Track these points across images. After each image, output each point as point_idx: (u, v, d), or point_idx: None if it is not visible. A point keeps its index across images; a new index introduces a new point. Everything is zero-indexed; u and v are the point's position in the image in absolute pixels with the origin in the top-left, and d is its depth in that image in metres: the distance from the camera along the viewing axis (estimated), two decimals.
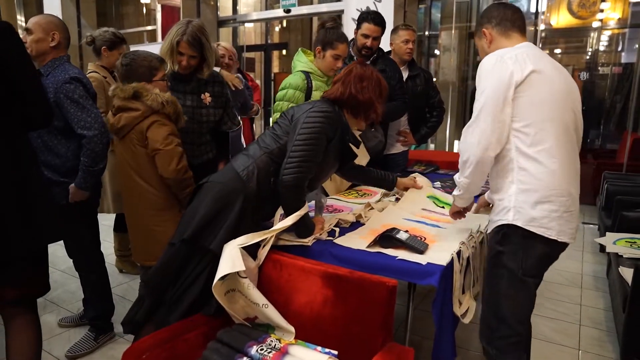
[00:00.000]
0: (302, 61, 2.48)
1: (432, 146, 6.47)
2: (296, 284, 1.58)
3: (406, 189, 2.26)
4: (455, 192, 1.73)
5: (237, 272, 1.52)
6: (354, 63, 1.87)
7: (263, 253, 1.65)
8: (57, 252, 3.76)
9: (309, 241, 1.69)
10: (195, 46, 2.17)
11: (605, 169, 4.83)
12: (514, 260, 1.49)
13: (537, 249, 1.47)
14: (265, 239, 1.66)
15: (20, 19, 9.21)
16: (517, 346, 1.55)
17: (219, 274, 1.47)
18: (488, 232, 1.64)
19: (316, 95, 2.43)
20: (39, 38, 2.19)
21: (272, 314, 1.56)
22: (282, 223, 1.67)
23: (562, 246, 1.51)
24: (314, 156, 1.69)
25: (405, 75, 3.11)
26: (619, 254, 2.74)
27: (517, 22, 1.62)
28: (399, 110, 2.99)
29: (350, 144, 1.85)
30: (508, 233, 1.49)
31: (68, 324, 2.66)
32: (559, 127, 1.47)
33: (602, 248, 3.80)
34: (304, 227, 1.74)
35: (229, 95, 2.50)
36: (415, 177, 2.36)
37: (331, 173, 1.94)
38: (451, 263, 1.56)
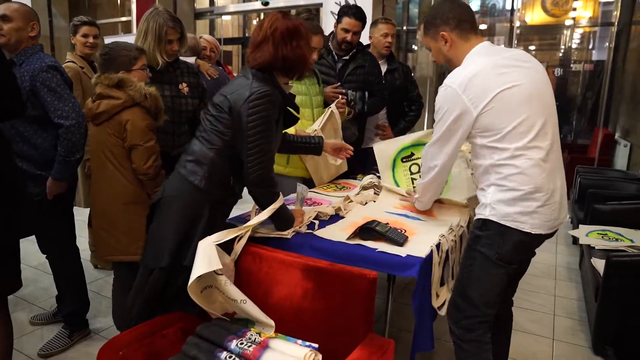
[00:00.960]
0: None
1: None
2: (276, 277, 1.57)
3: (336, 150, 2.16)
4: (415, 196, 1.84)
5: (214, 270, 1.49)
6: (273, 14, 1.67)
7: (239, 247, 1.63)
8: (28, 248, 3.63)
9: (288, 234, 1.68)
10: (178, 26, 2.23)
11: (578, 163, 4.96)
12: (490, 245, 1.53)
13: (514, 236, 1.51)
14: (241, 233, 1.63)
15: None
16: (482, 325, 1.58)
17: (195, 273, 1.44)
18: (455, 255, 1.73)
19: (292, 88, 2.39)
20: (19, 27, 2.13)
21: (251, 309, 1.54)
22: (257, 217, 1.65)
23: (540, 237, 1.54)
24: (269, 144, 1.62)
25: (383, 69, 3.11)
26: (591, 245, 2.81)
27: (473, 22, 1.61)
28: (378, 105, 2.99)
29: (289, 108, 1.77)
30: (487, 222, 1.54)
31: (40, 321, 2.59)
32: (528, 126, 1.48)
33: (575, 240, 3.90)
34: (282, 220, 1.72)
35: (204, 86, 2.49)
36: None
37: (278, 145, 1.82)
38: (430, 255, 1.57)
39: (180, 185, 1.66)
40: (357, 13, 2.75)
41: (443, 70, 7.37)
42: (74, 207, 2.44)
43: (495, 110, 1.46)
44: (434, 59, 1.71)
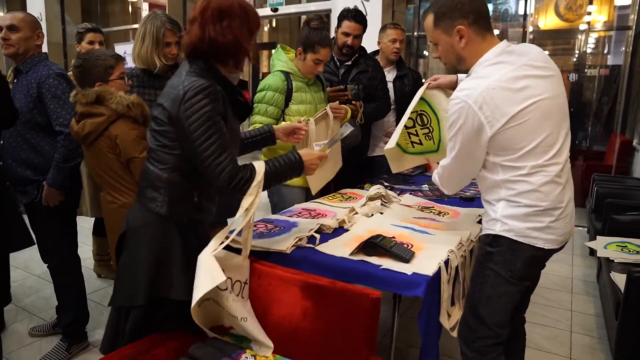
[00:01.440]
0: (282, 60, 2.36)
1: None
2: (274, 295, 1.49)
3: (288, 134, 1.95)
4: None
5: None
6: None
7: (248, 244, 1.51)
8: (33, 255, 3.60)
9: (287, 249, 1.59)
10: (177, 29, 2.20)
11: (594, 171, 4.81)
12: (503, 262, 1.44)
13: (526, 252, 1.43)
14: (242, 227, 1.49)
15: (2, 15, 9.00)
16: (496, 347, 1.50)
17: (200, 292, 1.32)
18: (480, 235, 1.59)
19: (297, 97, 2.32)
20: (28, 36, 2.18)
21: (251, 327, 1.46)
22: (247, 200, 1.44)
23: (552, 252, 1.47)
24: (223, 142, 1.39)
25: (393, 75, 3.03)
26: (610, 258, 2.68)
27: (489, 19, 1.45)
28: (381, 111, 2.91)
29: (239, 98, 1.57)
30: (497, 237, 1.45)
31: (39, 333, 2.54)
32: (550, 142, 1.38)
33: (592, 251, 3.76)
34: (283, 175, 1.53)
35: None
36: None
37: (238, 141, 1.64)
38: (438, 273, 1.48)
39: (142, 214, 1.50)
40: (356, 16, 2.68)
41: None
42: (81, 216, 2.41)
43: (513, 129, 1.35)
44: (441, 57, 1.51)
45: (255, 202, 1.42)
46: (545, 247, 1.42)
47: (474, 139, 1.39)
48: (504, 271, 1.44)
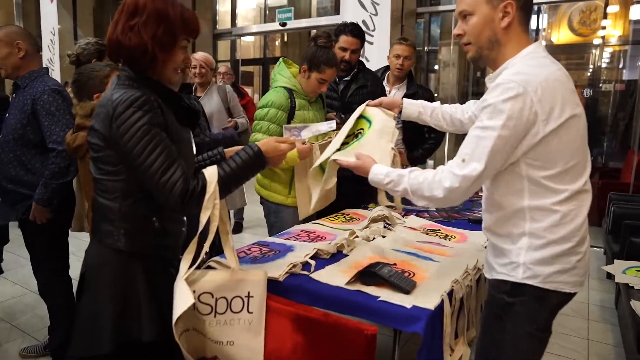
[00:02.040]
0: (285, 76, 2.28)
1: (430, 163, 6.30)
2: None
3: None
4: (395, 188, 1.35)
5: (197, 309, 1.32)
6: None
7: (231, 255, 1.38)
8: (32, 271, 3.57)
9: (280, 277, 1.49)
10: None
11: (610, 189, 4.64)
12: (527, 314, 1.23)
13: (553, 300, 1.24)
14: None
15: (17, 25, 9.16)
16: None
17: (175, 314, 1.23)
18: (485, 275, 1.37)
19: (299, 115, 2.22)
20: (7, 53, 2.13)
21: (237, 351, 1.36)
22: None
23: (573, 295, 1.29)
24: (168, 156, 1.22)
25: (402, 93, 2.94)
26: (630, 284, 2.53)
27: (531, 15, 1.27)
28: None
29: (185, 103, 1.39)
30: (519, 286, 1.23)
31: (30, 354, 2.47)
32: (583, 165, 1.22)
33: (610, 275, 3.59)
34: (237, 176, 1.32)
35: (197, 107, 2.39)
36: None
37: (192, 151, 1.44)
38: (441, 306, 1.36)
39: (99, 252, 1.33)
40: (354, 30, 2.60)
41: (466, 91, 7.16)
42: (82, 232, 2.34)
43: (562, 137, 1.15)
44: (462, 32, 1.25)
45: (214, 214, 1.26)
46: (572, 292, 1.24)
47: (517, 138, 1.14)
48: (528, 324, 1.24)
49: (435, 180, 1.24)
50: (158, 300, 1.33)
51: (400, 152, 2.96)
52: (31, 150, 2.11)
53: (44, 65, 2.32)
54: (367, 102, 1.77)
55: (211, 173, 1.27)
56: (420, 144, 3.04)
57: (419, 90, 3.02)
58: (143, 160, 1.20)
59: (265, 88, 8.91)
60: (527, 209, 1.20)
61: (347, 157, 1.53)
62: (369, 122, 1.71)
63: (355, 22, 2.71)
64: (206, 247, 1.29)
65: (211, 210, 1.25)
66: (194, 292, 1.29)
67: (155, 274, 1.35)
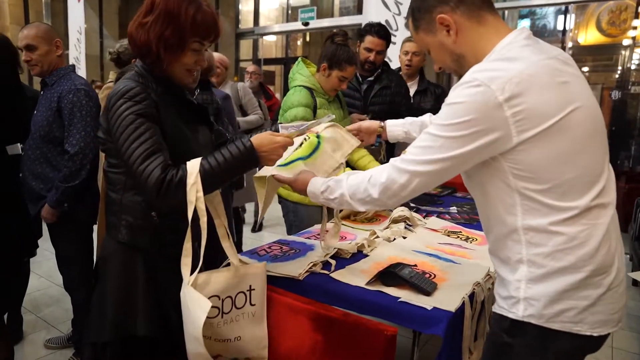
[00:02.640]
0: (304, 75, 2.28)
1: None
2: (283, 325, 1.39)
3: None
4: (331, 195, 1.25)
5: None
6: None
7: (231, 254, 1.37)
8: (56, 265, 3.66)
9: (299, 275, 1.49)
10: None
11: (638, 194, 4.51)
12: (530, 356, 1.04)
13: (562, 345, 1.01)
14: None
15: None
16: None
17: (199, 324, 1.19)
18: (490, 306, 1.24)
19: (320, 114, 2.23)
20: (47, 50, 2.17)
21: (245, 345, 1.38)
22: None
23: (603, 338, 1.03)
24: (150, 146, 1.20)
25: (413, 90, 2.93)
26: None
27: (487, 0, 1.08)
28: None
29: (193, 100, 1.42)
30: (519, 325, 1.03)
31: (55, 345, 2.53)
32: (595, 174, 1.00)
33: (636, 282, 3.49)
34: (223, 171, 1.24)
35: (218, 103, 2.42)
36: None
37: (193, 142, 1.39)
38: (462, 308, 1.34)
39: (108, 244, 1.38)
40: (380, 31, 2.59)
41: None
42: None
43: (552, 143, 0.95)
44: (438, 64, 1.17)
45: (200, 207, 1.20)
46: (595, 335, 1.00)
47: (481, 147, 0.97)
48: None
49: (374, 176, 1.14)
50: (157, 297, 1.35)
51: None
52: (57, 148, 2.14)
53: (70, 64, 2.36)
54: (332, 121, 1.60)
55: (193, 164, 1.22)
56: None
57: (429, 86, 3.01)
58: (126, 148, 1.20)
59: (286, 88, 8.96)
60: (521, 230, 1.01)
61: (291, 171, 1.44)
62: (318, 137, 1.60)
63: (381, 22, 2.71)
64: (202, 245, 1.26)
65: (194, 203, 1.19)
66: None
67: (157, 271, 1.36)
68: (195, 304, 1.21)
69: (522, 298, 1.01)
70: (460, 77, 1.05)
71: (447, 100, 1.03)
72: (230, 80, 3.93)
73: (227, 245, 1.37)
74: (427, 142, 1.04)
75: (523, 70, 0.95)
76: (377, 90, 2.67)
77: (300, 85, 2.25)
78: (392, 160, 1.13)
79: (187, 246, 1.26)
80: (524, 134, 0.94)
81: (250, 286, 1.38)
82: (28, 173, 2.18)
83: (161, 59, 1.28)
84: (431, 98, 2.97)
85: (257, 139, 1.27)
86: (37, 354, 2.47)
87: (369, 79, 2.69)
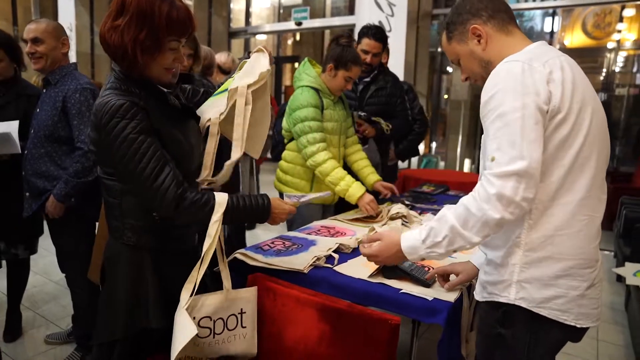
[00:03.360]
0: (311, 75, 2.29)
1: (442, 164, 6.34)
2: (290, 316, 1.45)
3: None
4: (438, 237, 1.14)
5: (197, 335, 1.31)
6: None
7: (224, 275, 1.42)
8: (53, 262, 3.63)
9: (304, 268, 1.56)
10: (191, 42, 2.21)
11: (622, 193, 4.66)
12: (518, 346, 1.13)
13: (549, 334, 1.10)
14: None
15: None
16: None
17: (178, 347, 1.24)
18: (476, 297, 1.25)
19: (327, 114, 2.27)
20: (53, 46, 2.15)
21: (233, 346, 1.43)
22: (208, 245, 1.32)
23: (583, 330, 1.13)
24: (158, 161, 1.21)
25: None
26: None
27: (512, 14, 1.21)
28: (401, 127, 2.90)
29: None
30: (511, 311, 1.11)
31: (55, 340, 2.55)
32: (593, 168, 1.08)
33: (620, 278, 3.62)
34: (239, 214, 1.33)
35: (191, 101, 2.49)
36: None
37: (187, 143, 1.37)
38: (460, 299, 1.42)
39: (113, 245, 1.39)
40: (377, 34, 2.64)
41: (478, 92, 7.17)
42: None
43: (571, 126, 1.04)
44: (465, 74, 1.27)
45: (213, 242, 1.28)
46: (578, 326, 1.09)
47: (543, 108, 1.02)
48: (521, 356, 1.13)
49: (479, 195, 1.05)
50: (167, 290, 1.38)
51: (390, 150, 3.01)
52: (62, 147, 2.12)
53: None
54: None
55: (221, 199, 1.29)
56: (404, 138, 3.12)
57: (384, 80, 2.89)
58: (133, 169, 1.20)
59: (277, 87, 8.97)
60: (527, 212, 1.07)
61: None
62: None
63: (378, 25, 2.76)
64: (201, 272, 1.32)
65: (212, 238, 1.28)
66: (194, 318, 1.32)
67: (163, 265, 1.39)
68: (181, 328, 1.26)
69: (515, 281, 1.09)
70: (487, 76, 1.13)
71: (488, 91, 1.07)
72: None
73: (222, 267, 1.41)
74: (504, 137, 1.02)
75: (558, 57, 1.09)
76: (373, 91, 2.74)
77: (306, 86, 2.27)
78: (483, 174, 1.08)
79: (194, 274, 1.32)
80: (561, 112, 1.03)
81: (241, 309, 1.44)
82: (32, 172, 2.17)
83: (138, 61, 1.24)
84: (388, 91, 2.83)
85: (274, 201, 1.43)
86: (37, 350, 2.49)
87: (365, 79, 2.75)
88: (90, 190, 2.15)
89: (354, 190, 2.17)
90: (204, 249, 1.30)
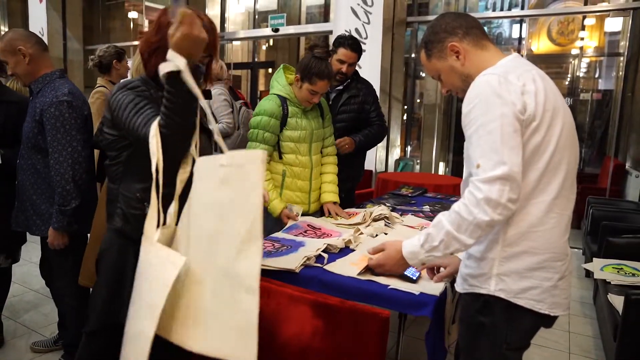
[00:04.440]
0: (281, 84, 2.30)
1: (417, 168, 6.49)
2: (284, 314, 1.51)
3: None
4: (435, 242, 1.22)
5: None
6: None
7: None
8: (31, 271, 3.61)
9: (296, 268, 1.62)
10: None
11: (588, 193, 4.89)
12: (498, 333, 1.22)
13: (525, 322, 1.21)
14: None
15: (5, 30, 9.09)
16: None
17: (167, 283, 1.10)
18: (457, 288, 1.35)
19: (291, 122, 2.26)
20: (14, 62, 2.06)
21: None
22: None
23: (555, 318, 1.24)
24: (148, 108, 1.33)
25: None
26: (607, 280, 2.73)
27: (483, 31, 1.31)
28: (377, 136, 2.88)
29: None
30: (490, 301, 1.22)
31: (42, 348, 2.52)
32: (564, 171, 1.20)
33: (588, 273, 3.81)
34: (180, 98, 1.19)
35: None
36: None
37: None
38: (445, 293, 1.51)
39: (107, 236, 1.50)
40: (353, 44, 2.66)
41: (450, 97, 7.37)
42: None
43: (550, 134, 1.16)
44: (446, 88, 1.36)
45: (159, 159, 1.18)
46: (551, 314, 1.20)
47: (518, 114, 1.12)
48: (498, 345, 1.23)
49: (468, 200, 1.14)
50: None
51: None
52: (45, 159, 2.05)
53: None
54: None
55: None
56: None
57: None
58: (130, 119, 1.33)
59: (253, 92, 9.00)
60: None
61: None
62: None
63: (353, 35, 2.81)
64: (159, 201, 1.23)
65: (157, 155, 1.19)
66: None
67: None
68: (164, 260, 1.15)
69: (495, 274, 1.20)
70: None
71: (468, 104, 1.17)
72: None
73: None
74: (486, 145, 1.11)
75: (526, 70, 1.19)
76: (346, 99, 2.74)
77: (275, 94, 2.28)
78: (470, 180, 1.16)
79: (154, 195, 1.21)
80: (534, 123, 1.14)
81: None
82: (22, 182, 2.15)
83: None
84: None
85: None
86: (21, 358, 2.46)
87: (338, 87, 2.75)
88: (82, 209, 2.09)
89: (273, 207, 2.23)
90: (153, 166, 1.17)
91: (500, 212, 1.10)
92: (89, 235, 2.24)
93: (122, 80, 1.44)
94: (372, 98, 2.84)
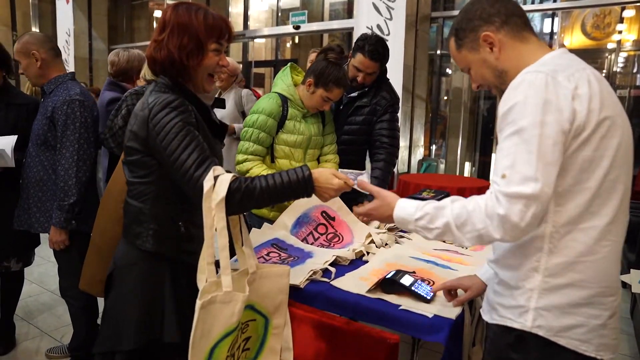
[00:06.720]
0: (286, 83, 2.14)
1: (442, 168, 6.30)
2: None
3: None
4: (431, 224, 1.09)
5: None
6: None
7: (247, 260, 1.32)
8: (48, 270, 3.63)
9: (300, 283, 1.51)
10: None
11: None
12: None
13: None
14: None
15: (36, 31, 9.32)
16: None
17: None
18: (484, 317, 1.18)
19: (288, 125, 2.10)
20: (26, 64, 2.16)
21: None
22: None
23: None
24: (202, 151, 1.24)
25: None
26: None
27: (526, 19, 1.12)
28: (389, 166, 2.39)
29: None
30: (525, 337, 1.05)
31: (56, 355, 2.50)
32: (621, 191, 1.02)
33: (625, 284, 3.56)
34: (290, 189, 1.25)
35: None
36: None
37: (220, 157, 1.46)
38: (462, 315, 1.37)
39: (128, 252, 1.38)
40: (373, 52, 2.23)
41: (478, 95, 7.14)
42: None
43: (604, 147, 0.98)
44: (477, 83, 1.19)
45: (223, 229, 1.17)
46: (599, 357, 1.02)
47: (565, 125, 0.95)
48: None
49: (488, 207, 0.98)
50: (182, 303, 1.35)
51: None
52: (54, 156, 2.12)
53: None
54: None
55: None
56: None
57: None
58: (178, 155, 1.22)
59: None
60: (547, 237, 1.01)
61: None
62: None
63: (379, 36, 2.32)
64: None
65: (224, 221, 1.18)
66: None
67: (180, 278, 1.38)
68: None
69: (533, 308, 1.03)
70: (501, 92, 1.06)
71: (508, 102, 1.00)
72: (237, 87, 3.89)
73: (248, 251, 1.34)
74: (520, 154, 0.96)
75: (584, 69, 1.02)
76: (353, 110, 2.40)
77: (277, 92, 2.14)
78: (494, 186, 1.00)
79: (210, 252, 1.20)
80: (588, 125, 0.97)
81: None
82: (27, 180, 2.17)
83: (187, 66, 1.32)
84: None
85: (317, 172, 1.29)
86: None
87: (351, 95, 2.39)
88: (85, 208, 2.11)
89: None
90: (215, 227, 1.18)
91: (515, 235, 0.97)
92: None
93: (158, 95, 1.28)
94: (383, 110, 2.37)
